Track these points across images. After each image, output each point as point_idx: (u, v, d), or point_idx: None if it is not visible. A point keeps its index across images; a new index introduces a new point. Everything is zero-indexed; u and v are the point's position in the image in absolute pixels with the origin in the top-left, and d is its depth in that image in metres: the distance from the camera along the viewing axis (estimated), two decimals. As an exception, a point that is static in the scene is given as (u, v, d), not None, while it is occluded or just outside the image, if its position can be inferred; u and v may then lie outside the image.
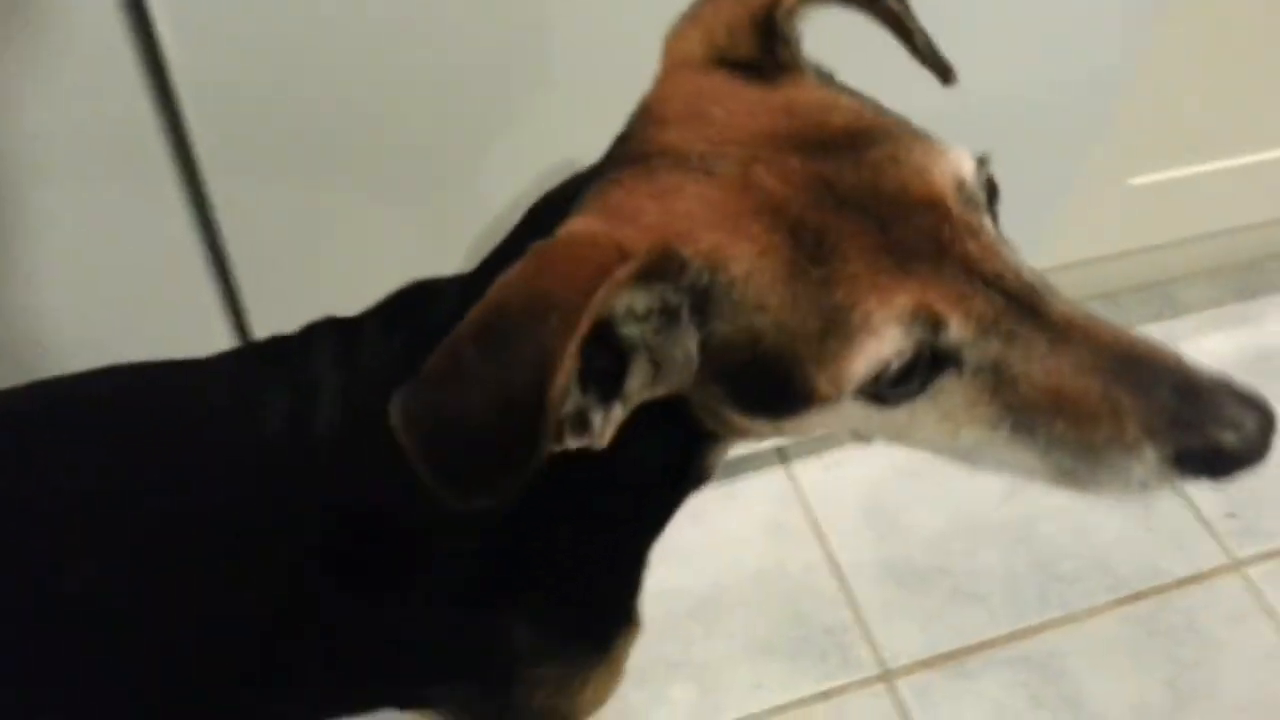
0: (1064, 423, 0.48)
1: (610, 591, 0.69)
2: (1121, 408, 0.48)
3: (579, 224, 0.47)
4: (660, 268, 0.46)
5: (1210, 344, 1.63)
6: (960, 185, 0.49)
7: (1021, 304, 0.48)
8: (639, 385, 0.49)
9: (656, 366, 0.49)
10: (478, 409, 0.43)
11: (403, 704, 0.74)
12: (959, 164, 0.49)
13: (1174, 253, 1.64)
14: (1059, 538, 1.39)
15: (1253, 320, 1.66)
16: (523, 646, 0.66)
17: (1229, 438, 0.47)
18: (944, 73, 0.60)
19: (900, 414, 0.50)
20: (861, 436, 0.54)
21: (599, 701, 0.73)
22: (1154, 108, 1.26)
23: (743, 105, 0.50)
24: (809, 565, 1.36)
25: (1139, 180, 1.35)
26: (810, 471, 1.45)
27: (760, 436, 0.58)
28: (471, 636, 0.66)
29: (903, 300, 0.46)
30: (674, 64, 0.54)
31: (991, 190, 0.52)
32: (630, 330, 0.48)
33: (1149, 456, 0.48)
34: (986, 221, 0.50)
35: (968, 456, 0.53)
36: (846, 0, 0.55)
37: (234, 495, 0.60)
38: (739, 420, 0.53)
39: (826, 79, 0.56)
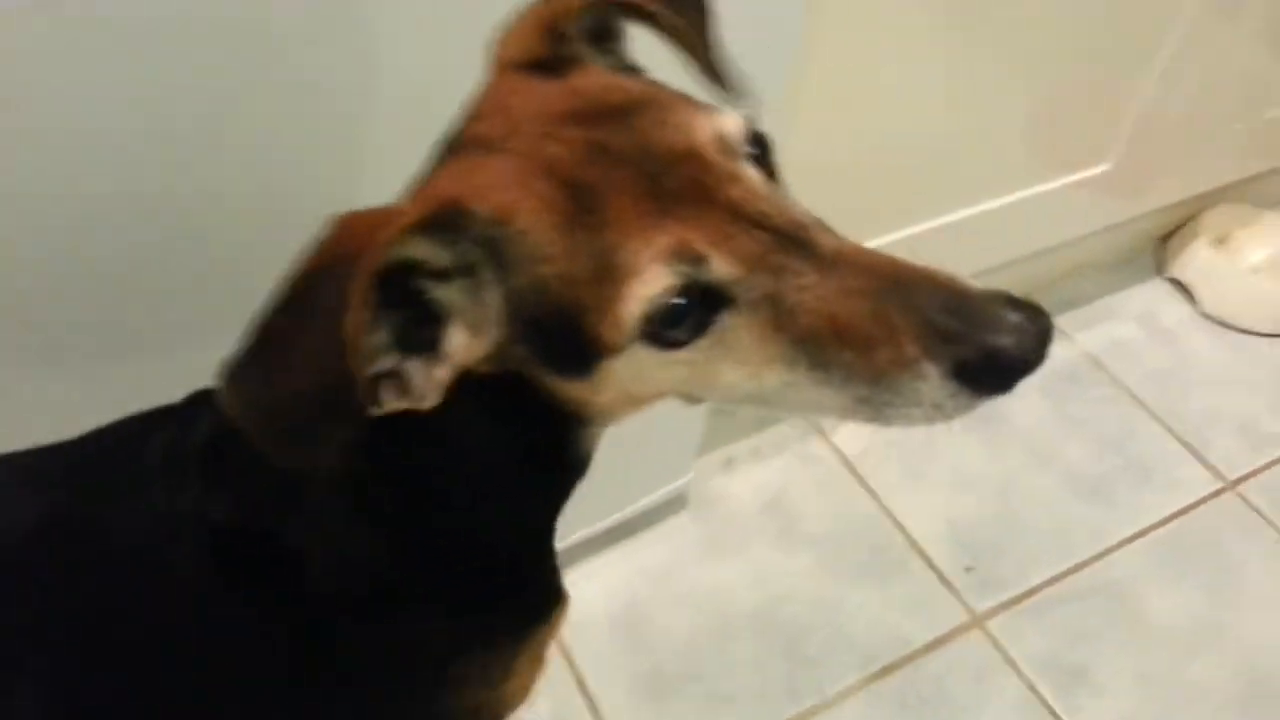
0: (849, 351, 0.50)
1: (518, 566, 0.70)
2: (895, 327, 0.49)
3: (394, 206, 0.51)
4: (446, 221, 0.50)
5: (937, 397, 1.67)
6: (720, 138, 0.53)
7: (789, 240, 0.51)
8: (458, 346, 0.53)
9: (473, 328, 0.53)
10: (294, 369, 0.46)
11: None
12: (720, 121, 0.54)
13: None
14: (804, 617, 1.38)
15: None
16: (441, 644, 0.66)
17: (1003, 341, 0.48)
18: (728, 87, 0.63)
19: (694, 358, 0.53)
20: (679, 393, 0.57)
21: (525, 691, 0.74)
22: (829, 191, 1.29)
23: (537, 94, 0.56)
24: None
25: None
26: (555, 588, 1.39)
27: (600, 412, 0.60)
28: (389, 648, 0.65)
29: (663, 240, 0.49)
30: (493, 69, 0.59)
31: (762, 144, 0.56)
32: (441, 294, 0.52)
33: (931, 373, 0.49)
34: (749, 170, 0.53)
35: (777, 401, 0.55)
36: (625, 11, 0.61)
37: (124, 531, 0.62)
38: (559, 385, 0.56)
39: (629, 70, 0.62)
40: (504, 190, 0.51)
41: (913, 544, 1.47)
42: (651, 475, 1.40)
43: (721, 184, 0.51)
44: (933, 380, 0.50)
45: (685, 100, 0.56)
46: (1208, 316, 1.87)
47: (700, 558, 1.44)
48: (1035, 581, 1.44)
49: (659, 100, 0.55)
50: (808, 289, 0.51)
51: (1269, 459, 1.63)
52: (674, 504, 1.48)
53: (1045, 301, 1.69)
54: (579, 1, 0.59)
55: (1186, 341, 1.82)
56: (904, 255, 1.52)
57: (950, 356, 0.49)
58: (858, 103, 1.25)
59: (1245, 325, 1.84)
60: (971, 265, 1.64)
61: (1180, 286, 1.91)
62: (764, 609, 1.38)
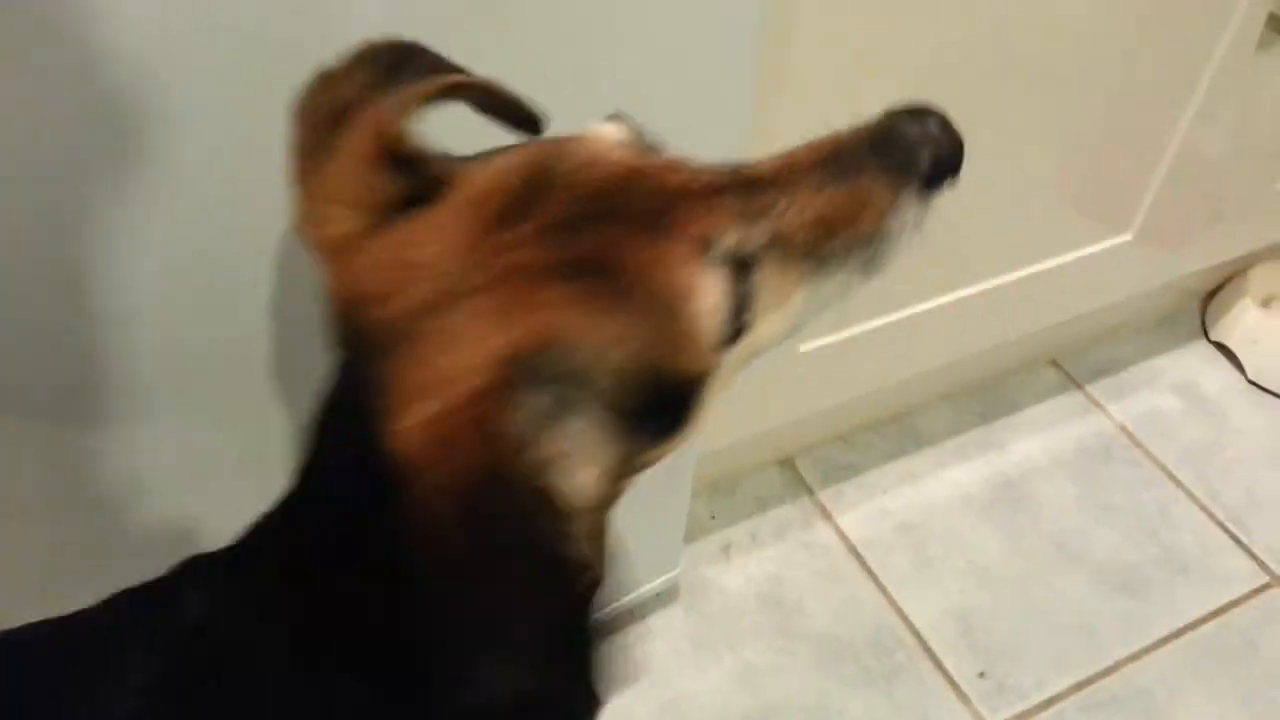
0: (845, 232, 0.53)
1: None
2: (864, 189, 0.53)
3: (415, 415, 0.45)
4: (539, 358, 0.45)
5: (955, 475, 1.56)
6: (632, 143, 0.53)
7: (742, 186, 0.52)
8: (590, 484, 0.47)
9: (591, 460, 0.47)
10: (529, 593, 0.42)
11: None
12: (617, 133, 0.54)
13: (915, 382, 1.59)
14: (801, 731, 1.28)
15: (995, 445, 1.61)
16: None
17: (933, 141, 0.55)
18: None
19: (754, 330, 0.53)
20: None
21: None
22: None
23: (437, 232, 0.49)
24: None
25: (806, 348, 1.27)
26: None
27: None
28: None
29: (681, 247, 0.48)
30: (335, 253, 0.51)
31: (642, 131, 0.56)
32: (545, 447, 0.46)
33: (907, 202, 0.54)
34: (669, 154, 0.54)
35: (806, 319, 0.57)
36: (448, 97, 0.55)
37: None
38: (664, 450, 0.53)
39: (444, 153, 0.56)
40: (519, 322, 0.46)
41: (922, 644, 1.36)
42: (639, 568, 1.31)
43: (666, 177, 0.51)
44: (910, 206, 0.54)
45: (565, 140, 0.53)
46: (1254, 384, 1.73)
47: (689, 657, 1.34)
48: (1056, 689, 1.32)
49: (557, 154, 0.52)
50: (788, 210, 0.52)
51: (1320, 550, 1.50)
52: (664, 597, 1.38)
53: (1076, 369, 1.59)
54: (411, 100, 0.52)
55: (1230, 413, 1.69)
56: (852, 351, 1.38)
57: (913, 182, 0.54)
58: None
59: (1296, 394, 1.71)
60: (992, 338, 1.53)
61: (1226, 351, 1.78)
62: (754, 718, 1.28)
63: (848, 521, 1.49)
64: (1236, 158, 1.42)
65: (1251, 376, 1.73)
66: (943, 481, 1.55)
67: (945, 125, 0.55)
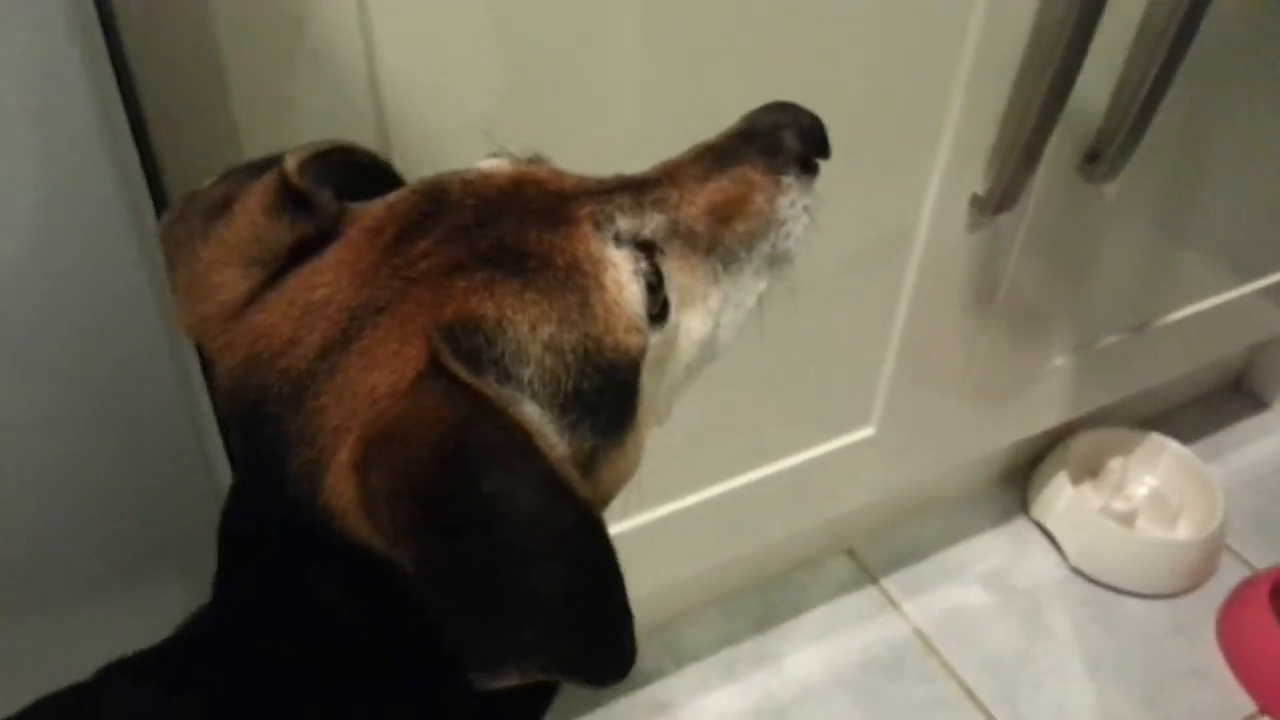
0: (739, 222, 0.54)
1: None
2: (747, 177, 0.55)
3: (349, 452, 0.44)
4: (461, 351, 0.45)
5: (717, 701, 1.34)
6: (513, 162, 0.55)
7: (630, 185, 0.53)
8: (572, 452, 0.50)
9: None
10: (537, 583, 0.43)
11: None
12: (501, 163, 0.54)
13: (687, 585, 1.39)
14: None
15: (769, 659, 1.39)
16: None
17: (800, 123, 0.56)
18: None
19: (671, 321, 0.53)
20: (670, 395, 0.57)
21: None
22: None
23: (334, 268, 0.49)
24: None
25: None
26: None
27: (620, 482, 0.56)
28: None
29: (581, 230, 0.50)
30: (226, 321, 0.50)
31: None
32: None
33: (790, 182, 0.55)
34: (555, 167, 0.55)
35: (725, 332, 0.57)
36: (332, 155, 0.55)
37: None
38: (616, 457, 0.52)
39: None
40: (445, 309, 0.46)
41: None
42: None
43: (558, 181, 0.52)
44: (794, 186, 0.55)
45: (454, 171, 0.54)
46: (1077, 572, 1.53)
47: None
48: None
49: (443, 178, 0.52)
50: (681, 203, 0.53)
51: (1134, 789, 1.28)
52: None
53: (873, 558, 1.35)
54: (307, 150, 0.53)
55: (1045, 609, 1.49)
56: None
57: (789, 161, 0.55)
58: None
59: (1121, 584, 1.51)
60: (763, 537, 1.34)
61: (1047, 531, 1.59)
62: None
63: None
64: (973, 345, 1.25)
65: (1074, 563, 1.54)
66: (702, 711, 1.33)
67: (800, 109, 0.57)
